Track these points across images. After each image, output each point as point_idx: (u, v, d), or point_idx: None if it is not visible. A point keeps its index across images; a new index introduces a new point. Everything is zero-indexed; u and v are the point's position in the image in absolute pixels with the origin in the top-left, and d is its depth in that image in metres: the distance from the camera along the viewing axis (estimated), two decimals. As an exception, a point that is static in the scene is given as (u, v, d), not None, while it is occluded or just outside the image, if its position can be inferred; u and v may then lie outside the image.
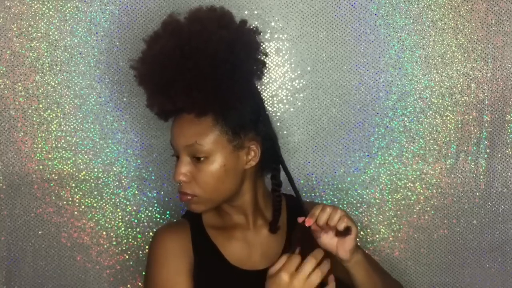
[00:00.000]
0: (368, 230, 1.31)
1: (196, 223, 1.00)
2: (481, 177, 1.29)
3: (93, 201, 1.25)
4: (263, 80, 1.24)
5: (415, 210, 1.30)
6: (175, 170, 0.92)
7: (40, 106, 1.21)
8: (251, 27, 0.93)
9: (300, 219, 0.89)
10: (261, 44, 0.94)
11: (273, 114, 1.26)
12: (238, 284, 0.95)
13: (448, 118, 1.28)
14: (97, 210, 1.25)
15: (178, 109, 0.91)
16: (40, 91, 1.21)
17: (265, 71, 0.96)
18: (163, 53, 0.87)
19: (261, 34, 0.95)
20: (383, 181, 1.29)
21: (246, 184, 0.96)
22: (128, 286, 1.28)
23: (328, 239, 0.90)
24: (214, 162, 0.90)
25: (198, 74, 0.84)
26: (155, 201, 1.27)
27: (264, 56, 0.94)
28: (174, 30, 0.88)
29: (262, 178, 1.01)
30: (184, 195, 0.93)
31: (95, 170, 1.24)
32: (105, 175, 1.25)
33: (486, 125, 1.28)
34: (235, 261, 0.97)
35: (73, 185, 1.24)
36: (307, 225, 0.88)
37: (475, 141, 1.28)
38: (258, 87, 1.00)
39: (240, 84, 0.87)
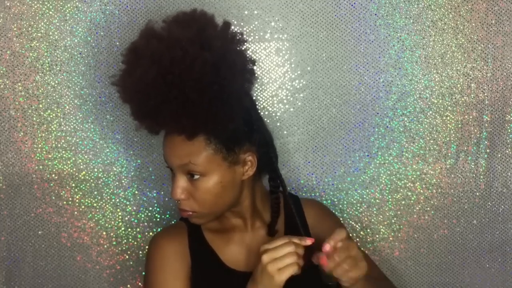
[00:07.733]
0: (368, 230, 1.31)
1: (193, 226, 1.00)
2: (481, 177, 1.29)
3: (93, 201, 1.25)
4: (263, 80, 1.24)
5: (415, 210, 1.30)
6: (172, 188, 0.92)
7: (40, 106, 1.21)
8: (236, 36, 0.87)
9: (321, 255, 0.83)
10: (247, 53, 0.89)
11: (273, 114, 1.26)
12: (234, 287, 0.95)
13: (448, 118, 1.28)
14: (97, 210, 1.25)
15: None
16: (40, 91, 1.21)
17: (256, 78, 0.91)
18: (145, 81, 0.82)
19: (246, 41, 0.89)
20: (383, 181, 1.29)
21: (245, 191, 0.96)
22: (128, 286, 1.28)
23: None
24: (210, 180, 0.89)
25: (185, 100, 0.81)
26: (155, 201, 1.26)
27: (252, 65, 0.88)
28: (153, 56, 0.82)
29: (260, 181, 1.00)
30: (184, 211, 0.92)
31: (95, 170, 1.24)
32: (105, 175, 1.24)
33: (486, 125, 1.28)
34: (232, 264, 0.97)
35: (73, 185, 1.24)
36: (327, 249, 0.82)
37: (475, 141, 1.28)
38: (250, 92, 0.96)
39: (229, 103, 0.83)
